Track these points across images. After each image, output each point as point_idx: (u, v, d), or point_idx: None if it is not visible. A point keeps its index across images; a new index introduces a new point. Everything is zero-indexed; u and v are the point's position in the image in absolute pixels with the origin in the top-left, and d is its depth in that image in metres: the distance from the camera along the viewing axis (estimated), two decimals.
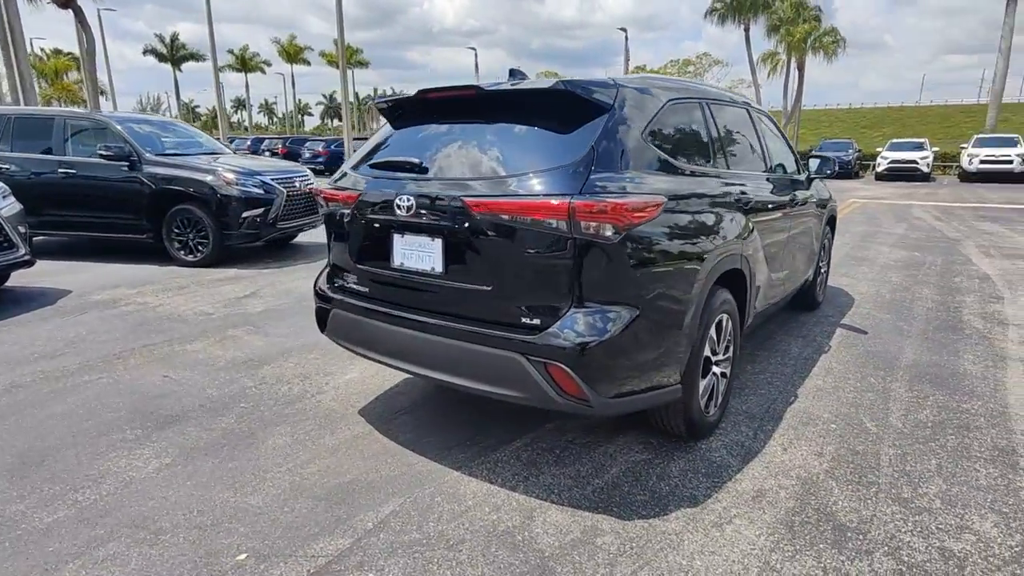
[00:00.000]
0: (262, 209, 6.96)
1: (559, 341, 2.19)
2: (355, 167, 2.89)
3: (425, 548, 2.16)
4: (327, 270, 3.10)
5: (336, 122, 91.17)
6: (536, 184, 2.23)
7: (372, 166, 2.79)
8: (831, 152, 25.99)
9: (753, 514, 2.36)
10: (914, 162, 22.81)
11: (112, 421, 3.17)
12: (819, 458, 2.78)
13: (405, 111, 2.88)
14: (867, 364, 3.97)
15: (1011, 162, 20.63)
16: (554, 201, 2.14)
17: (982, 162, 21.05)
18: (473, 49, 38.19)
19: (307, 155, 26.47)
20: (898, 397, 3.45)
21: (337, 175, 2.99)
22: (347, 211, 2.78)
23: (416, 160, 2.55)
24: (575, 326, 2.20)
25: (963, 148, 23.80)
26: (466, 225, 2.35)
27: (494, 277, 2.34)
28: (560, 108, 2.38)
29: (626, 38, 33.80)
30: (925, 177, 22.93)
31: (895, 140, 25.82)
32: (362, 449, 2.90)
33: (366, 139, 3.77)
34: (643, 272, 2.28)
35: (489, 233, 2.30)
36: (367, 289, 2.82)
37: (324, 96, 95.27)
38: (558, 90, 2.34)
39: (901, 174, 23.03)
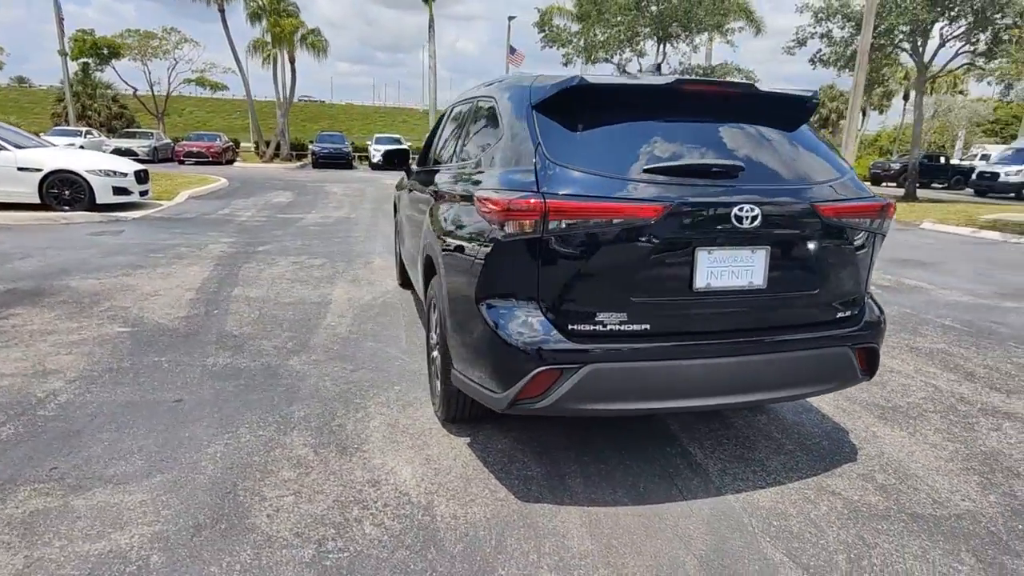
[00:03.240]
0: None
1: (876, 325, 2.48)
2: (591, 173, 2.12)
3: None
4: (546, 316, 2.15)
5: None
6: (857, 186, 2.40)
7: (653, 171, 2.13)
8: (328, 144, 28.03)
9: (896, 428, 3.25)
10: None
11: None
12: None
13: (617, 101, 2.28)
14: None
15: None
16: (880, 201, 2.39)
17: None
18: None
19: None
20: None
21: (546, 185, 2.09)
22: (630, 228, 2.08)
23: (739, 163, 2.17)
24: (876, 309, 2.53)
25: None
26: (804, 231, 2.28)
27: (820, 279, 2.36)
28: (803, 113, 2.54)
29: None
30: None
31: (379, 135, 30.03)
32: (645, 529, 2.28)
33: None
34: None
35: (825, 236, 2.33)
36: (648, 326, 2.17)
37: None
38: (816, 99, 2.50)
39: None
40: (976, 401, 3.57)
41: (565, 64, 18.89)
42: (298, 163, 29.07)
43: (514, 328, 2.18)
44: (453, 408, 2.87)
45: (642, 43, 18.39)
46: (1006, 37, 14.41)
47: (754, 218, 2.18)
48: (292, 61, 27.37)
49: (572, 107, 2.29)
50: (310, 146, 29.74)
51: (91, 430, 2.85)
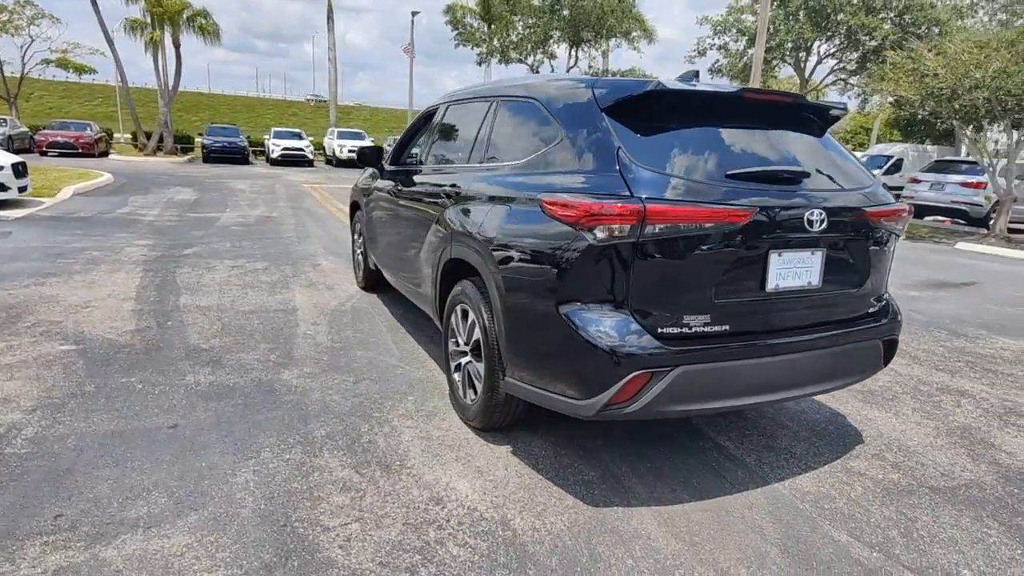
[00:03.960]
0: None
1: (896, 318, 2.70)
2: (680, 178, 2.14)
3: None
4: (636, 319, 2.14)
5: None
6: (883, 192, 2.60)
7: (735, 176, 2.18)
8: (221, 136, 25.86)
9: (881, 410, 3.56)
10: (301, 150, 25.86)
11: None
12: None
13: (689, 107, 2.33)
14: None
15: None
16: (901, 206, 2.61)
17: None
18: None
19: None
20: None
21: (639, 189, 2.08)
22: (721, 232, 2.14)
23: (806, 169, 2.27)
24: (894, 304, 2.76)
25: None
26: (854, 233, 2.45)
27: (861, 278, 2.54)
28: (830, 122, 2.71)
29: None
30: (310, 163, 26.28)
31: (277, 129, 28.20)
32: (719, 523, 2.35)
33: None
34: None
35: (867, 238, 2.51)
36: (727, 326, 2.23)
37: None
38: (846, 110, 2.68)
39: (292, 159, 25.65)
40: (931, 382, 4.03)
41: (479, 63, 18.94)
42: (185, 157, 26.64)
43: (603, 332, 2.15)
44: (497, 416, 2.79)
45: (554, 46, 18.86)
46: (874, 57, 16.41)
47: (822, 221, 2.32)
48: (177, 46, 24.92)
49: (647, 111, 2.31)
50: (199, 139, 27.35)
51: (83, 467, 2.46)
